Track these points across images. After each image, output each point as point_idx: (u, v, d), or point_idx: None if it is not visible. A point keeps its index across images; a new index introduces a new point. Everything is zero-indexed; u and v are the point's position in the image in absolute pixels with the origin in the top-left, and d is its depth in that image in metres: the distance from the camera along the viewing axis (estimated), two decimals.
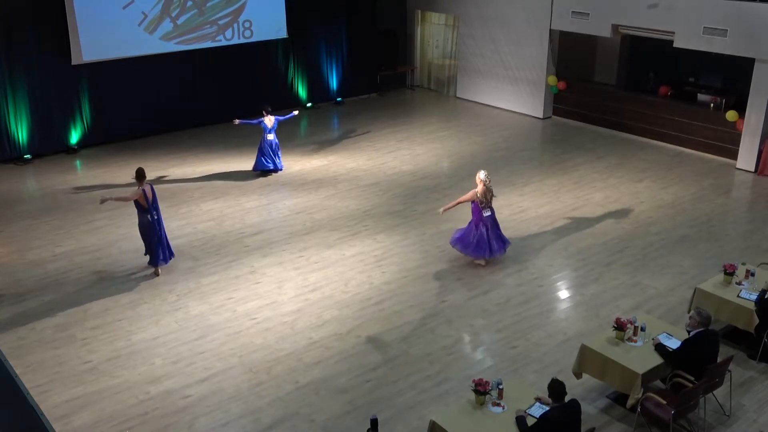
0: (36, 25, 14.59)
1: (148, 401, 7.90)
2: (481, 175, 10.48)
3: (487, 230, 10.51)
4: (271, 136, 13.94)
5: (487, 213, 10.49)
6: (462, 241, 10.68)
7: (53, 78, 15.03)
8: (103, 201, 10.48)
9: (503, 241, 10.76)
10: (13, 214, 12.57)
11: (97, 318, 9.45)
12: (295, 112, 14.85)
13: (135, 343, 8.92)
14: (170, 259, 10.63)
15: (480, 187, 10.42)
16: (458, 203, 10.62)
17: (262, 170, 14.20)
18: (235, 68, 17.43)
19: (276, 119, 13.93)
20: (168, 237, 10.68)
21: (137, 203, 10.23)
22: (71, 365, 8.50)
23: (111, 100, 15.86)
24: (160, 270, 10.50)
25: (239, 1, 16.93)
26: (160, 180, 14.03)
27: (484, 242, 10.50)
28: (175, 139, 16.40)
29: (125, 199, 10.43)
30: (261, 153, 14.09)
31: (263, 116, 13.84)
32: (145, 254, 10.58)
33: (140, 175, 10.26)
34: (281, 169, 14.34)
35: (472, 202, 10.49)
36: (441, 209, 10.80)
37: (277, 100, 18.32)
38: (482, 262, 10.74)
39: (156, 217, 10.30)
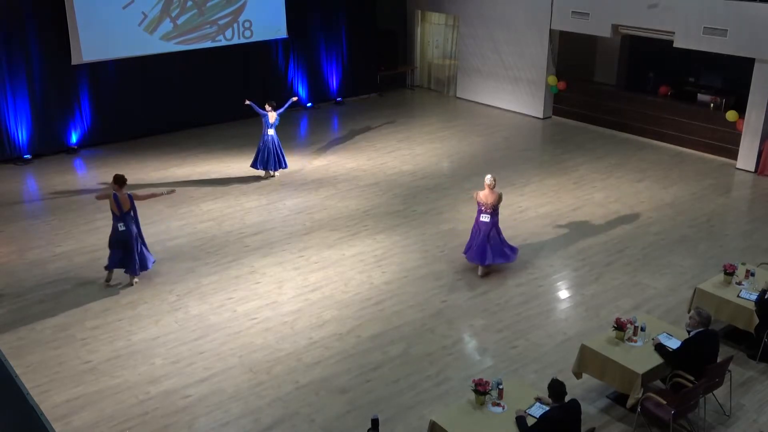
0: (36, 25, 14.58)
1: (148, 401, 7.90)
2: (487, 179, 10.17)
3: (482, 236, 10.24)
4: (271, 132, 13.80)
5: (484, 218, 10.23)
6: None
7: (53, 78, 15.03)
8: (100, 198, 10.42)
9: (494, 253, 10.34)
10: (13, 214, 12.56)
11: (97, 318, 9.45)
12: (293, 99, 14.59)
13: (135, 343, 8.92)
14: (138, 271, 10.14)
15: (484, 191, 10.16)
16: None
17: (256, 168, 14.06)
18: (235, 68, 17.43)
19: (278, 115, 13.79)
20: (146, 247, 10.25)
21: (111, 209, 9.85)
22: (71, 365, 8.50)
23: (111, 100, 15.86)
24: (134, 280, 10.18)
25: (239, 1, 16.93)
26: (160, 180, 14.03)
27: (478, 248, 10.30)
28: (175, 139, 16.40)
29: (99, 197, 10.36)
30: (258, 150, 13.93)
31: (267, 111, 13.76)
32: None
33: (117, 180, 9.83)
34: (285, 168, 14.24)
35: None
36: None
37: (277, 100, 18.27)
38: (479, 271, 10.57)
39: (121, 229, 9.80)
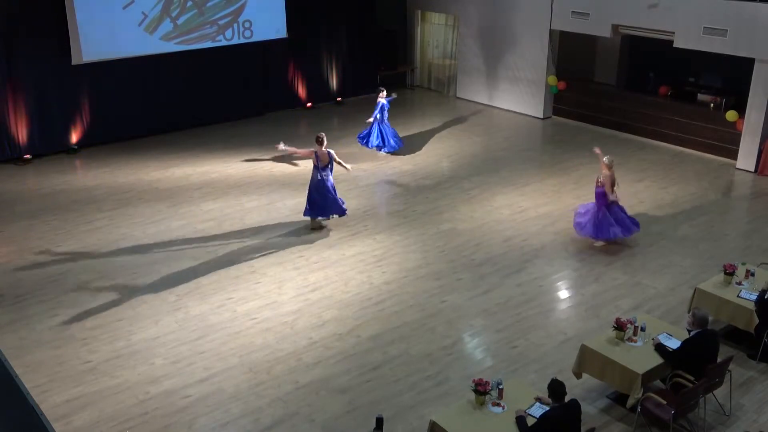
0: (36, 25, 14.57)
1: (148, 401, 7.90)
2: (605, 160, 11.05)
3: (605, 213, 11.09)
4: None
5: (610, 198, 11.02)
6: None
7: (53, 78, 15.02)
8: (281, 148, 12.25)
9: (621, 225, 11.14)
10: (13, 214, 12.56)
11: (97, 318, 9.45)
12: (394, 95, 15.87)
13: (135, 343, 8.92)
14: (340, 213, 11.84)
15: (605, 171, 11.01)
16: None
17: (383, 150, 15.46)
18: (235, 68, 17.42)
19: (387, 101, 15.29)
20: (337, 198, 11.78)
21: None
22: (71, 365, 8.50)
23: (111, 100, 15.84)
24: (322, 223, 11.94)
25: (239, 1, 16.93)
26: (160, 180, 14.04)
27: (603, 224, 11.09)
28: (175, 139, 16.39)
29: (297, 152, 12.52)
30: (384, 135, 15.44)
31: (379, 100, 15.10)
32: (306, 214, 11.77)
33: (317, 139, 11.59)
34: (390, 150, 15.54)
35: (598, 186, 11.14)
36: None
37: (277, 100, 18.39)
38: (598, 244, 11.38)
39: (321, 178, 11.53)
